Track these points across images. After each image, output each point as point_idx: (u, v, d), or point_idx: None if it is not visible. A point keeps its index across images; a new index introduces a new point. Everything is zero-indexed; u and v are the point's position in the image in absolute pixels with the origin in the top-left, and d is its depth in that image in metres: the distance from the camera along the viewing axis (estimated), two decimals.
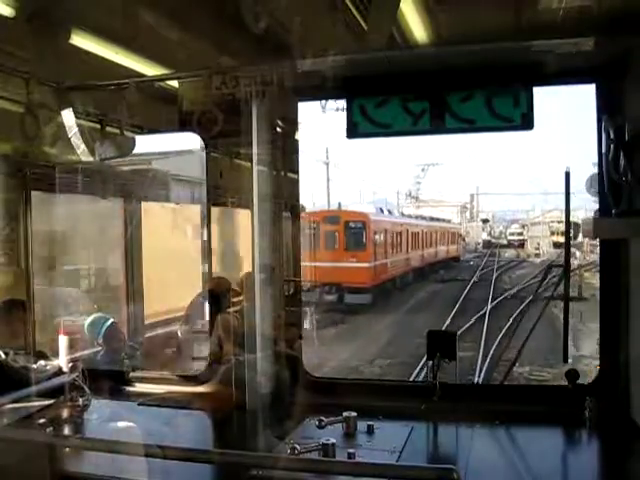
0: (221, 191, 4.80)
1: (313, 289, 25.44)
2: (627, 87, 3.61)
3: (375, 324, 24.42)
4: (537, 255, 54.05)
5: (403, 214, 44.68)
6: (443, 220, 56.20)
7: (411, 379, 14.38)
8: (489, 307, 26.26)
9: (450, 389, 4.01)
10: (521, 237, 70.55)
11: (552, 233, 53.95)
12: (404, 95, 3.98)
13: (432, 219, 51.32)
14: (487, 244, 70.82)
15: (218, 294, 4.85)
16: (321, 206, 39.43)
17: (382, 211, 36.79)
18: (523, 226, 72.81)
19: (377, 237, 31.43)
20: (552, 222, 53.38)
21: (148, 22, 3.72)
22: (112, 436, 3.21)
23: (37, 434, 3.20)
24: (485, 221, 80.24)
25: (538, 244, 59.08)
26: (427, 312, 26.01)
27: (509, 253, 62.28)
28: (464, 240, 66.30)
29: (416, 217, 47.95)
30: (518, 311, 22.75)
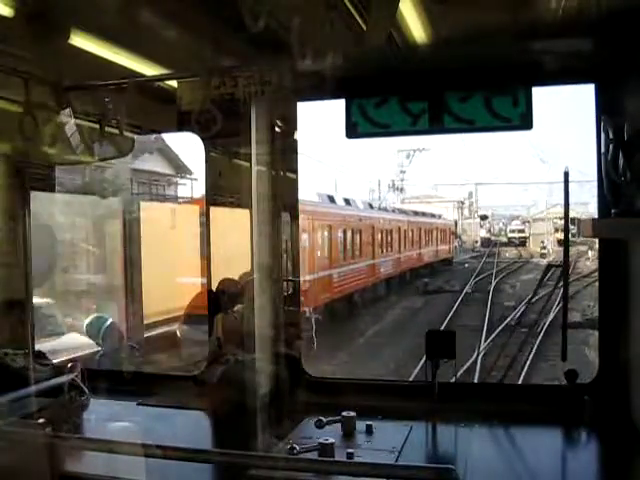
0: (220, 191, 4.80)
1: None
2: (626, 87, 3.61)
3: None
4: (543, 255, 45.86)
5: (372, 206, 34.62)
6: (432, 215, 48.05)
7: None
8: (482, 348, 16.37)
9: (449, 388, 4.02)
10: (523, 234, 66.26)
11: (557, 230, 46.07)
12: (403, 95, 3.99)
13: (416, 214, 42.33)
14: (486, 242, 66.02)
15: (220, 294, 4.83)
16: None
17: (333, 200, 26.89)
18: (524, 222, 68.70)
19: (310, 237, 21.20)
20: (556, 218, 46.58)
21: (147, 22, 3.71)
22: (111, 436, 3.21)
23: (36, 434, 3.20)
24: (484, 217, 74.13)
25: (543, 242, 51.41)
26: (382, 356, 17.30)
27: (510, 252, 56.62)
28: (460, 238, 61.59)
29: (393, 211, 38.59)
30: (530, 359, 15.51)
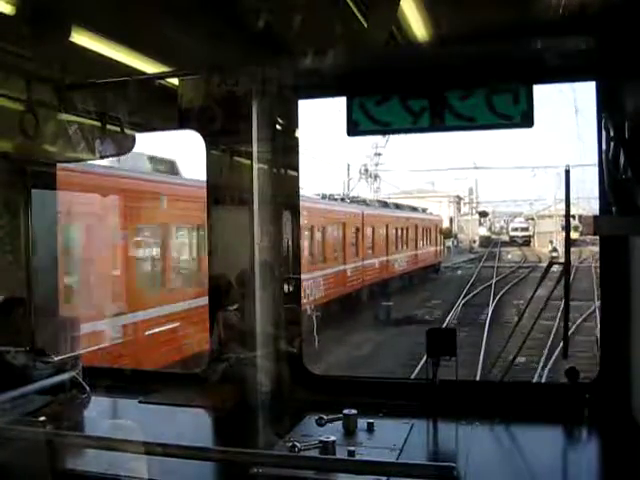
0: (221, 189, 4.80)
1: None
2: (627, 84, 3.61)
3: None
4: (555, 258, 23.00)
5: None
6: (412, 209, 38.38)
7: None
8: None
9: (450, 386, 4.01)
10: (526, 233, 61.40)
11: (564, 228, 36.50)
12: (404, 93, 3.99)
13: (385, 205, 32.71)
14: (485, 241, 60.60)
15: (220, 291, 4.83)
16: None
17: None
18: (528, 220, 63.67)
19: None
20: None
21: (148, 20, 3.72)
22: (112, 433, 3.22)
23: (37, 431, 3.20)
24: (483, 214, 68.41)
25: (552, 243, 42.05)
26: None
27: (513, 254, 50.08)
28: (455, 237, 56.01)
29: (342, 199, 28.76)
30: None
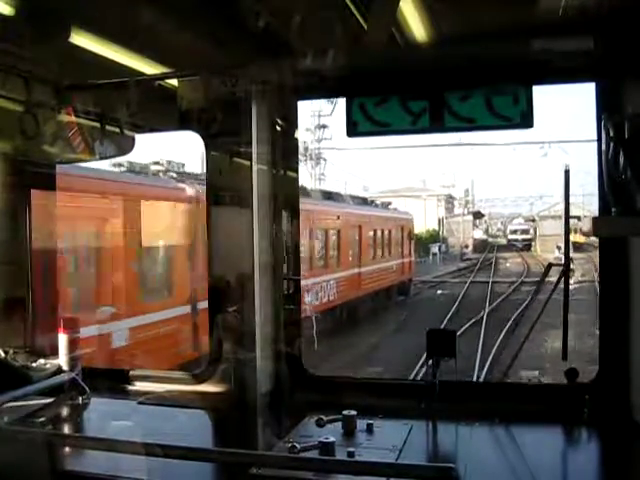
0: (221, 190, 4.80)
1: None
2: (627, 85, 3.62)
3: None
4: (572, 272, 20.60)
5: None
6: (362, 201, 27.67)
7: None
8: None
9: (450, 387, 4.01)
10: (526, 236, 56.52)
11: (574, 231, 23.91)
12: (404, 94, 4.00)
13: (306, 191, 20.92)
14: (480, 246, 54.02)
15: (220, 292, 4.83)
16: None
17: None
18: (528, 221, 58.71)
19: None
20: (571, 216, 32.46)
21: (148, 21, 3.72)
22: (112, 435, 3.22)
23: (36, 433, 3.20)
24: (478, 215, 61.53)
25: (560, 248, 23.36)
26: None
27: (512, 262, 43.43)
28: (444, 242, 49.34)
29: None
30: None
